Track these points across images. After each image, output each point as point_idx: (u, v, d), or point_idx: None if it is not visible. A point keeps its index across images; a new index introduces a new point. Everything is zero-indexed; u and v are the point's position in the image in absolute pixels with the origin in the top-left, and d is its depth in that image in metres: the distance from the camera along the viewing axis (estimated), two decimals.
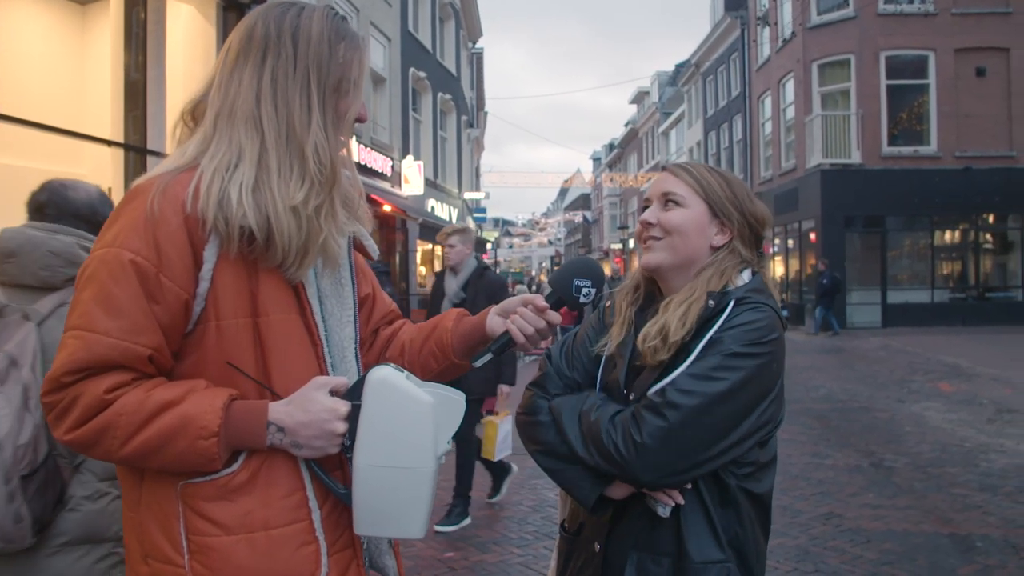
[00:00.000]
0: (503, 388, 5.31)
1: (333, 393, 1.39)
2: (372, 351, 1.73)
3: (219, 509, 1.33)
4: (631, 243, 47.03)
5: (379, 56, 18.61)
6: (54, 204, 2.11)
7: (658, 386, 1.57)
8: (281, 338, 1.39)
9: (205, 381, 1.36)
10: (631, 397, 1.65)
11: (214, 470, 1.32)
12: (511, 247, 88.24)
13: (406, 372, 1.41)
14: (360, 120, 1.53)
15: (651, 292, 1.80)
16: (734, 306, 1.60)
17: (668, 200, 1.74)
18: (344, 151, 1.51)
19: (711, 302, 1.60)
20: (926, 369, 13.06)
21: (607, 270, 41.88)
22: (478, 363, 1.62)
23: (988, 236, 22.43)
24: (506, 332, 1.59)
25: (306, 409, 1.35)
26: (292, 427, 1.34)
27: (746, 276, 1.70)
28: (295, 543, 1.35)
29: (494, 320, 1.63)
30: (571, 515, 1.83)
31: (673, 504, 1.58)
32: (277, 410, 1.35)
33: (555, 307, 1.60)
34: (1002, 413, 9.08)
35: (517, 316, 1.58)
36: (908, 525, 5.12)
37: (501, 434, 5.34)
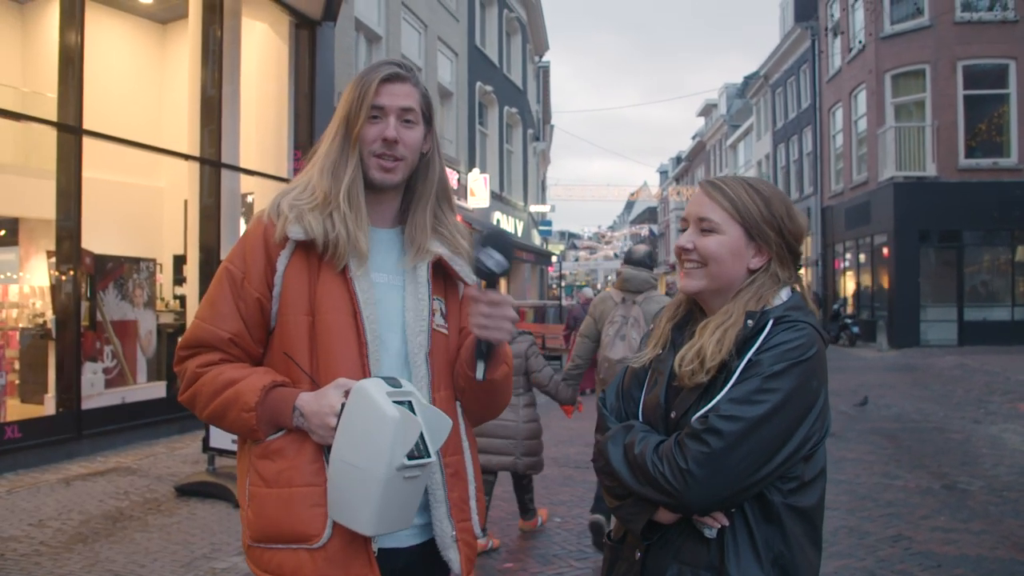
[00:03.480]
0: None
1: (347, 394, 1.58)
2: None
3: (264, 465, 1.64)
4: None
5: (446, 70, 18.85)
6: (635, 259, 5.13)
7: (700, 412, 1.59)
8: (330, 335, 1.66)
9: (266, 368, 1.70)
10: (672, 415, 1.68)
11: (257, 439, 1.64)
12: (576, 260, 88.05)
13: (405, 388, 1.56)
14: (388, 140, 1.74)
15: (691, 310, 1.83)
16: (772, 325, 1.61)
17: (703, 226, 1.73)
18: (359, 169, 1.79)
19: (749, 322, 1.62)
20: (1005, 389, 12.58)
21: (663, 285, 41.39)
22: (479, 375, 1.72)
23: None
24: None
25: (318, 402, 1.60)
26: (307, 414, 1.60)
27: (784, 295, 1.70)
28: (308, 502, 1.59)
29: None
30: (618, 525, 1.87)
31: (719, 526, 1.60)
32: (303, 398, 1.62)
33: (486, 287, 1.68)
34: None
35: (471, 315, 1.71)
36: (982, 550, 4.94)
37: None
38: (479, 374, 1.71)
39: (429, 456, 1.54)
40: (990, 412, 10.63)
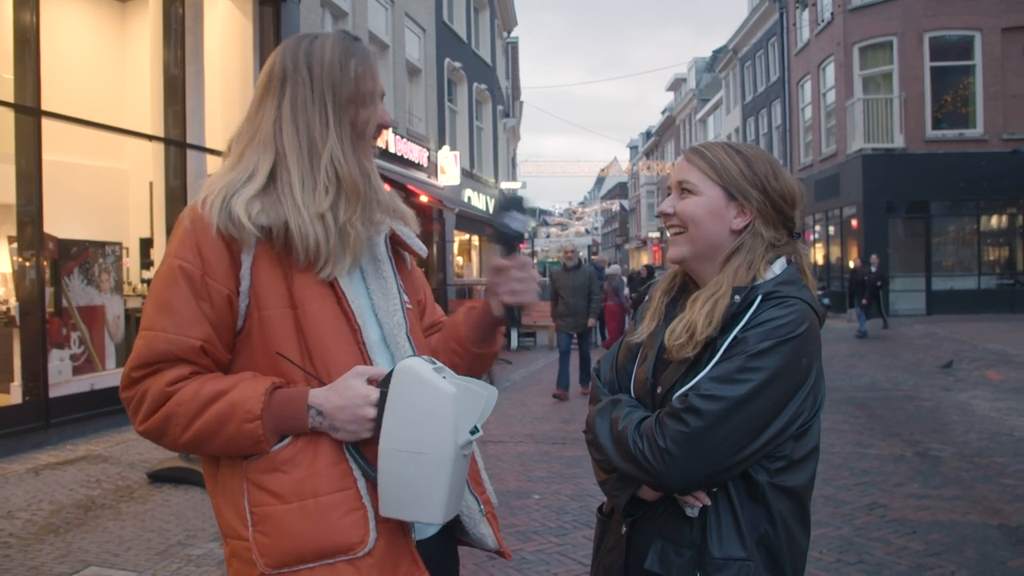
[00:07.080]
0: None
1: (370, 381, 1.46)
2: None
3: (274, 480, 1.43)
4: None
5: (414, 47, 18.62)
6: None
7: (681, 390, 1.55)
8: (320, 325, 1.49)
9: (252, 372, 1.48)
10: (659, 390, 1.64)
11: (263, 451, 1.44)
12: (548, 237, 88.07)
13: (439, 364, 1.45)
14: (384, 126, 1.65)
15: (685, 283, 1.79)
16: (761, 301, 1.55)
17: (683, 189, 1.70)
18: (368, 158, 1.63)
19: (736, 297, 1.56)
20: (973, 357, 12.80)
21: (644, 259, 41.54)
22: (513, 344, 1.65)
23: None
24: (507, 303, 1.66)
25: (342, 395, 1.43)
26: (329, 411, 1.43)
27: (778, 267, 1.64)
28: (343, 509, 1.43)
29: (493, 300, 1.69)
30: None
31: (701, 505, 1.57)
32: (317, 395, 1.45)
33: (508, 253, 1.64)
34: None
35: (499, 284, 1.65)
36: (955, 516, 5.02)
37: None
38: (513, 343, 1.65)
39: (479, 429, 1.46)
40: (959, 379, 10.81)
